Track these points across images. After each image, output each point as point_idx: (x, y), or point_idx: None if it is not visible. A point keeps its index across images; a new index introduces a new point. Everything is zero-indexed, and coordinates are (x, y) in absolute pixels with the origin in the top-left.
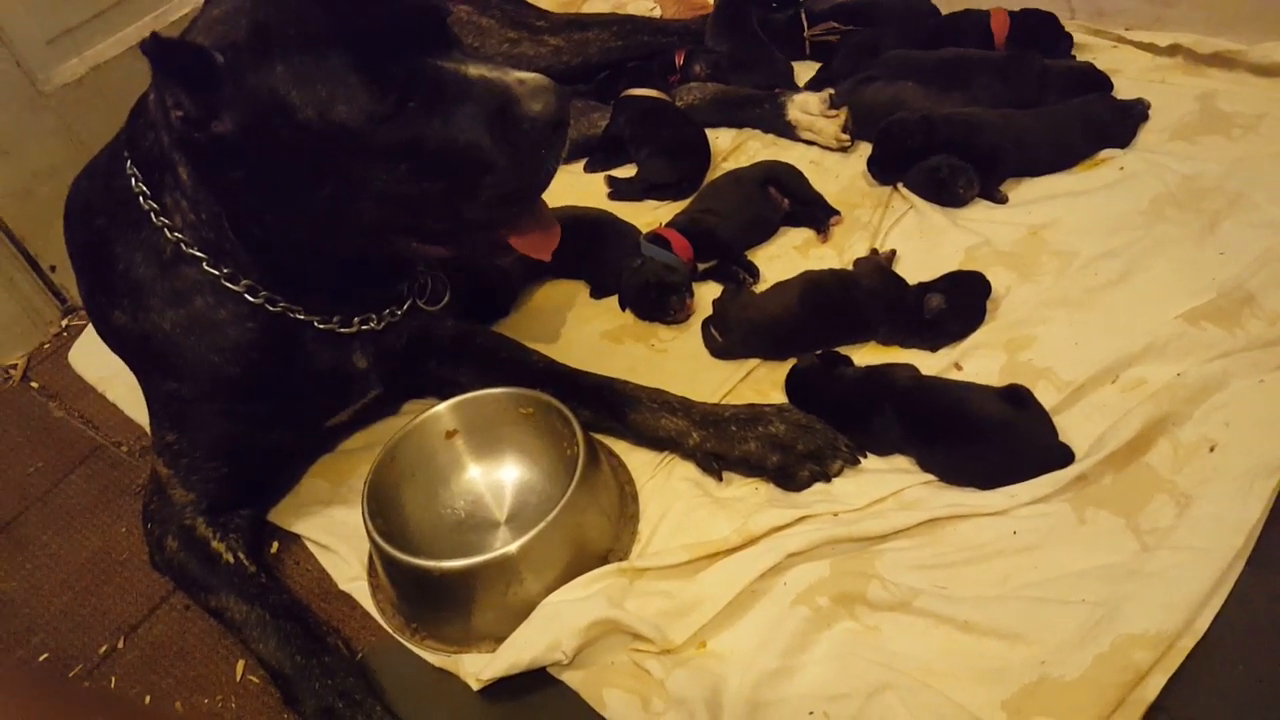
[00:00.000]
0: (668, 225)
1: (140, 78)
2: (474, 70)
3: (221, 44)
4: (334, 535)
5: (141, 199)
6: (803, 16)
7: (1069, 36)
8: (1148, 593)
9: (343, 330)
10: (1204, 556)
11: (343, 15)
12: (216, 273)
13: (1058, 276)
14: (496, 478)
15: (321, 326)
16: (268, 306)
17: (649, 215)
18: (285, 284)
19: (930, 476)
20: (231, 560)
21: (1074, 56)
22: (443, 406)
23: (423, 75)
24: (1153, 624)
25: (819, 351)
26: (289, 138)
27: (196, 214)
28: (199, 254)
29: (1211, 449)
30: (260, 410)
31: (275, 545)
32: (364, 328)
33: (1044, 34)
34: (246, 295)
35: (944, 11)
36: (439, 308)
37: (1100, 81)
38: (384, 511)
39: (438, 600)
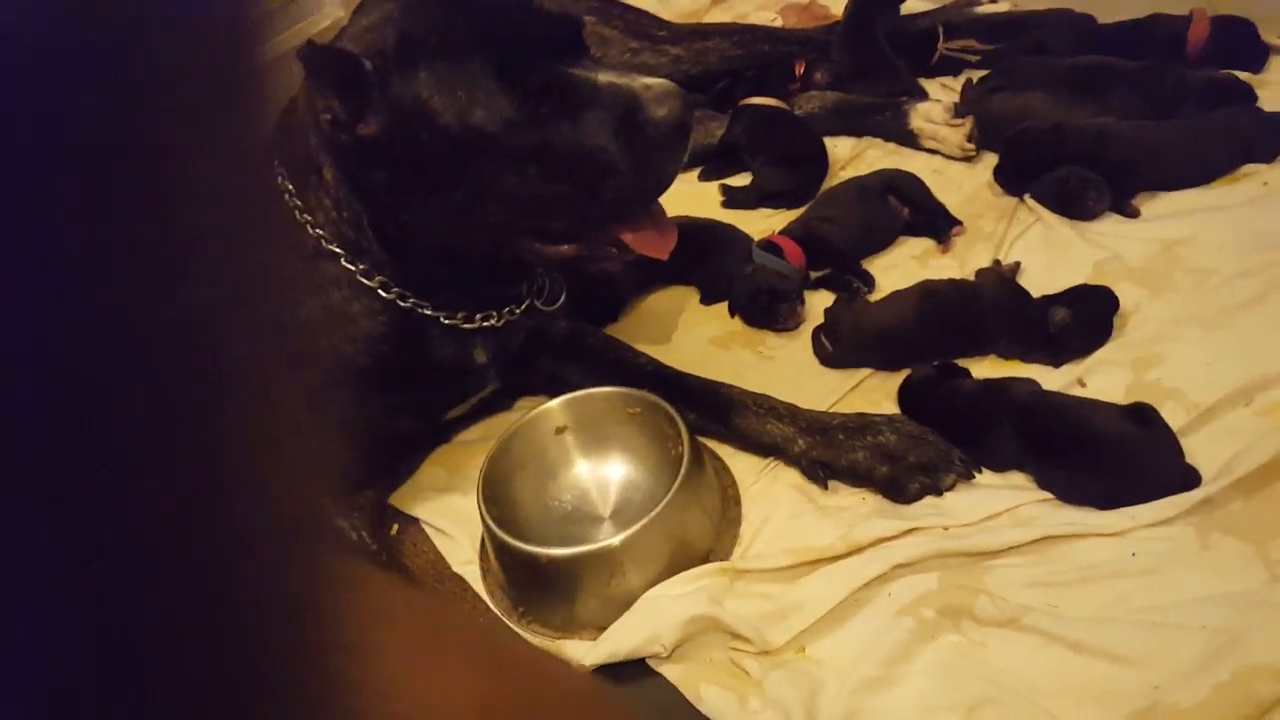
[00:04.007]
0: (781, 233)
1: (286, 84)
2: (603, 77)
3: (370, 51)
4: (450, 520)
5: (287, 196)
6: (939, 30)
7: (1267, 48)
8: (1276, 623)
9: (466, 326)
10: None
11: (483, 25)
12: (353, 268)
13: (1191, 294)
14: (603, 474)
15: (446, 322)
16: (398, 302)
17: (762, 223)
18: (415, 281)
19: (1047, 494)
20: (355, 538)
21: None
22: (554, 403)
23: (555, 82)
24: (1278, 656)
25: (935, 363)
26: (429, 141)
27: (339, 212)
28: (338, 250)
29: None
30: (387, 399)
31: (395, 527)
32: (485, 324)
33: (1243, 44)
34: (380, 291)
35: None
36: (555, 308)
37: (1244, 92)
38: (496, 500)
39: (544, 586)
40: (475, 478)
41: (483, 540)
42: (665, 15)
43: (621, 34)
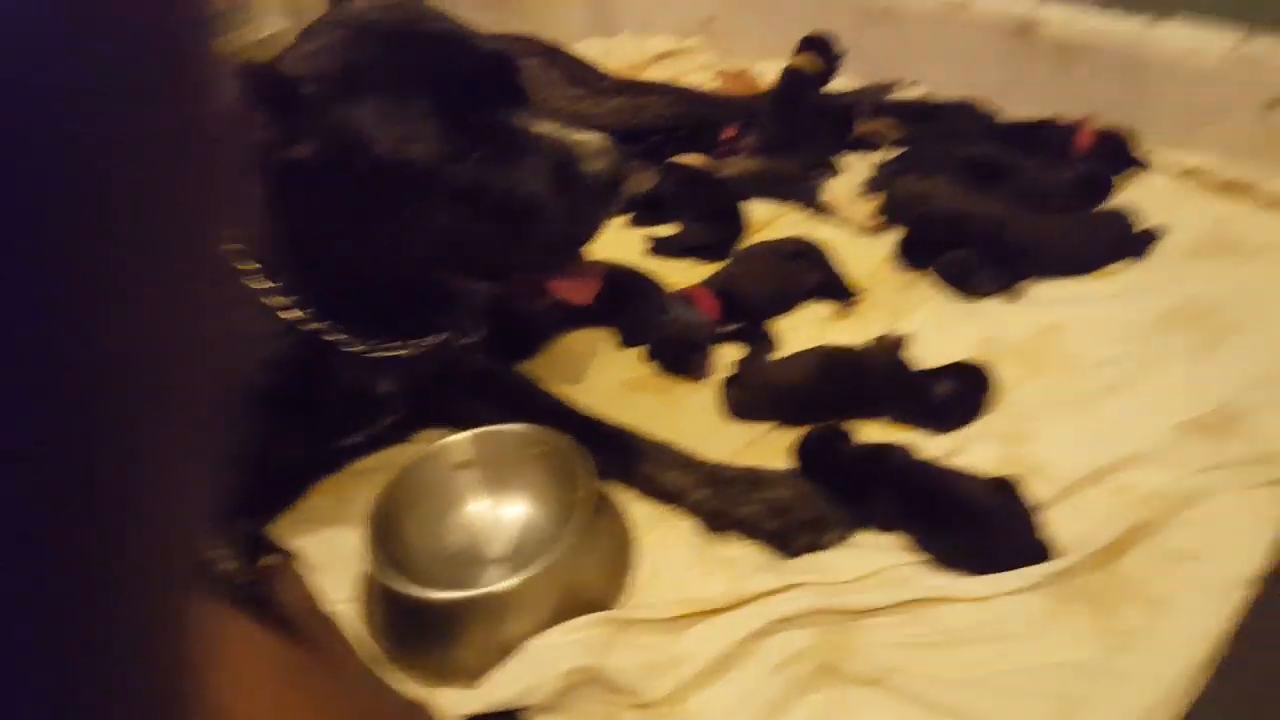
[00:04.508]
0: (699, 285)
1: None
2: (541, 127)
3: (311, 76)
4: (330, 554)
5: None
6: (858, 109)
7: (1142, 161)
8: (1111, 692)
9: (373, 355)
10: (1170, 662)
11: (429, 64)
12: (264, 287)
13: (1063, 377)
14: (501, 514)
15: (354, 350)
16: (306, 326)
17: (684, 274)
18: (329, 306)
19: (923, 556)
20: (223, 569)
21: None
22: (459, 437)
23: (493, 127)
24: None
25: (828, 423)
26: (363, 171)
27: (259, 230)
28: (252, 266)
29: (1187, 559)
30: (280, 424)
31: (270, 558)
32: (394, 354)
33: (1122, 154)
34: (288, 312)
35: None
36: (471, 343)
37: (1107, 190)
38: (385, 536)
39: (424, 630)
40: (363, 510)
41: (363, 578)
42: (608, 65)
43: (563, 80)
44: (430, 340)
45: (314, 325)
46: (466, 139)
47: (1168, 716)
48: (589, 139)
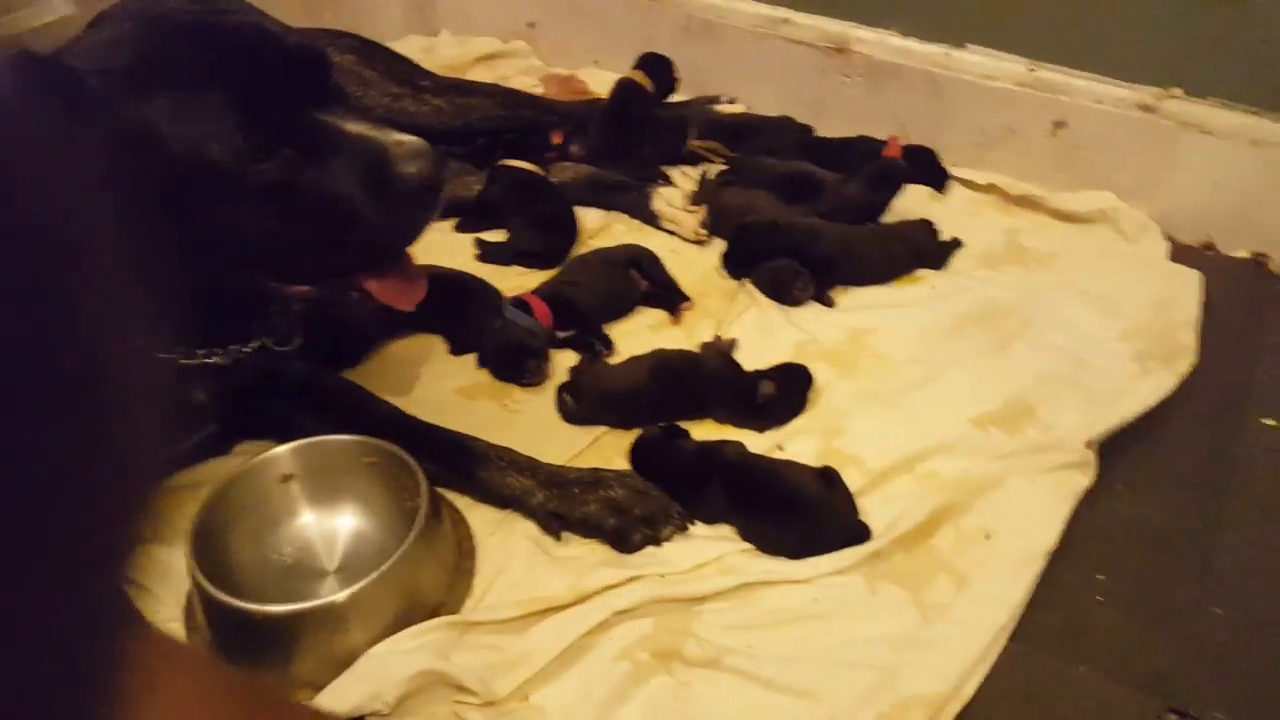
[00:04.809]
0: (532, 292)
1: None
2: (353, 126)
3: (99, 68)
4: (151, 574)
5: None
6: (690, 127)
7: (946, 172)
8: (924, 660)
9: (185, 362)
10: (974, 630)
11: (226, 58)
12: None
13: (871, 376)
14: (331, 526)
15: (161, 356)
16: None
17: (515, 280)
18: None
19: (749, 545)
20: None
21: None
22: (282, 449)
23: (300, 125)
24: (926, 688)
25: (662, 424)
26: (158, 168)
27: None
28: None
29: (987, 537)
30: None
31: None
32: (206, 361)
33: (928, 167)
34: None
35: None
36: (289, 349)
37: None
38: (209, 552)
39: (259, 645)
40: (184, 527)
41: (189, 597)
42: (429, 65)
43: (383, 77)
44: (244, 348)
45: None
46: (271, 138)
47: (977, 678)
48: (405, 139)
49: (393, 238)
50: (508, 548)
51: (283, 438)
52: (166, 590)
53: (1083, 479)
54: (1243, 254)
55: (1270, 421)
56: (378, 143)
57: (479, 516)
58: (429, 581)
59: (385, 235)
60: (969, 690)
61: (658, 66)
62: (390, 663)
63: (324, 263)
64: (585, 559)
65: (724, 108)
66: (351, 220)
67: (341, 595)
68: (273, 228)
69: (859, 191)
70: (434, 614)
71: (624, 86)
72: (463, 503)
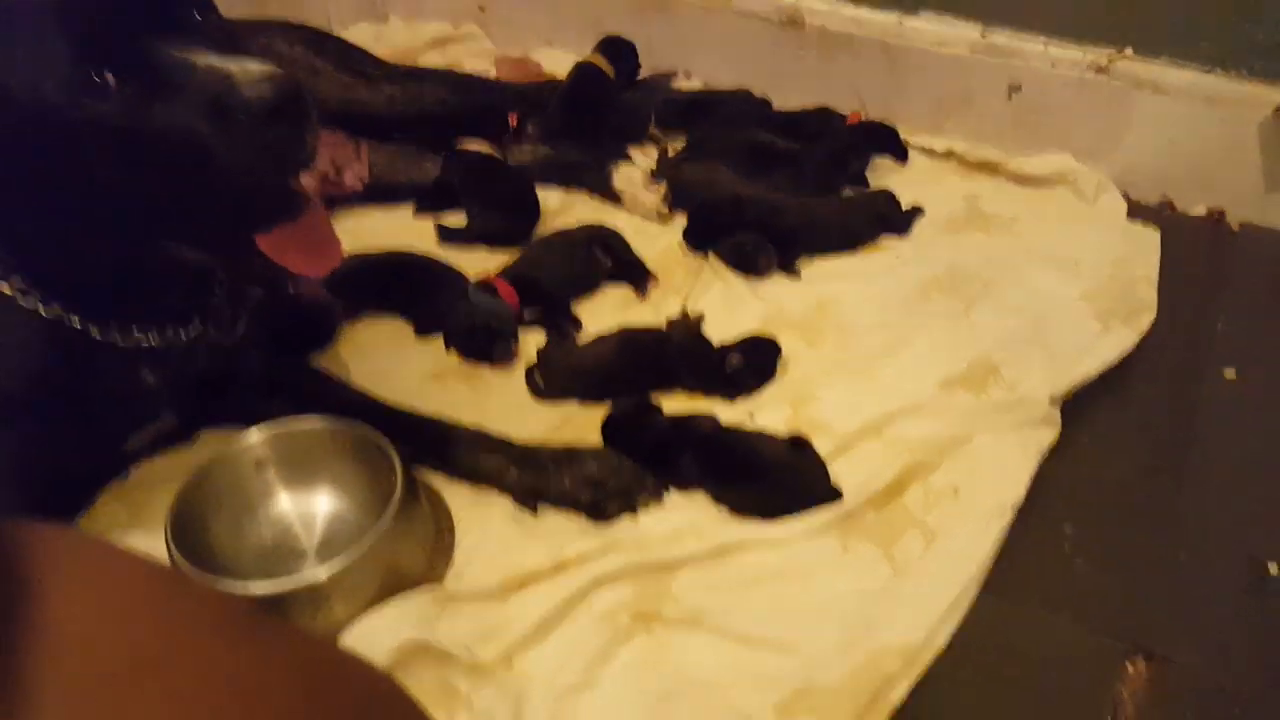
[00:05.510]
0: (497, 275)
1: None
2: (199, 58)
3: None
4: None
5: None
6: (653, 111)
7: (906, 148)
8: (897, 612)
9: (124, 344)
10: (945, 583)
11: None
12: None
13: (838, 345)
14: (309, 509)
15: (98, 338)
16: (41, 311)
17: (478, 263)
18: (54, 285)
19: (723, 510)
20: None
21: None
22: (255, 435)
23: (142, 58)
24: (900, 638)
25: (633, 399)
26: (5, 119)
27: None
28: None
29: (956, 493)
30: (46, 430)
31: None
32: (145, 346)
33: (888, 141)
34: (16, 297)
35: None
36: (234, 334)
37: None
38: (188, 538)
39: None
40: (161, 516)
41: None
42: (379, 52)
43: (334, 67)
44: (186, 331)
45: (50, 311)
46: (108, 72)
47: (949, 627)
48: (252, 67)
49: (247, 172)
50: (486, 522)
51: (248, 425)
52: None
53: (1048, 434)
54: (1200, 211)
55: (1231, 373)
56: (222, 71)
57: (456, 493)
58: (409, 557)
59: (239, 171)
60: (941, 640)
61: (620, 51)
62: (375, 636)
63: (206, 215)
64: (564, 530)
65: (680, 84)
66: (201, 158)
67: (322, 572)
68: (126, 172)
69: (822, 163)
70: (415, 588)
71: (582, 71)
72: (439, 481)
